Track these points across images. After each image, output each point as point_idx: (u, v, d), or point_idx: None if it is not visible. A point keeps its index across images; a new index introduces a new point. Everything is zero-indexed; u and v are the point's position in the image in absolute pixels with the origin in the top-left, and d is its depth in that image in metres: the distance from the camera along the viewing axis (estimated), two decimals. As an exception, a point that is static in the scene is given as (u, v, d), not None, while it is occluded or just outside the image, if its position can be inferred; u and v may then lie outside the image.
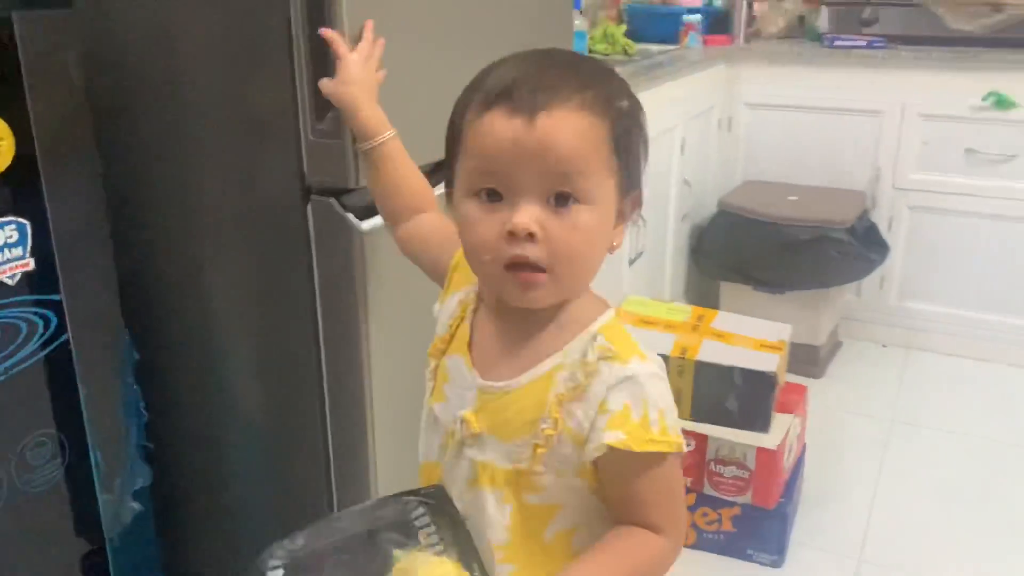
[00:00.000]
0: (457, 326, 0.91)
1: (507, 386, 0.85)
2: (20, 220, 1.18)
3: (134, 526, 1.42)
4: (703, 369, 1.94)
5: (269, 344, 1.36)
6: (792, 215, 2.79)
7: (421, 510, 0.85)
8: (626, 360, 0.81)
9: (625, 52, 2.66)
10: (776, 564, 1.99)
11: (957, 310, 2.96)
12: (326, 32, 1.10)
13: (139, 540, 1.43)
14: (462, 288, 0.94)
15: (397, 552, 0.80)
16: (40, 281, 1.22)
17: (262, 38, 1.19)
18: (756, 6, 3.30)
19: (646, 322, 2.07)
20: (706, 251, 2.94)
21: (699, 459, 1.95)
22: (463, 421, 0.86)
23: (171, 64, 1.26)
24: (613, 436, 0.79)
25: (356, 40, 1.14)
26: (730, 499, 1.96)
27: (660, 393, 0.81)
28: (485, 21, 1.44)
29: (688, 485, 1.97)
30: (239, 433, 1.43)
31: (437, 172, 1.34)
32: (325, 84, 1.10)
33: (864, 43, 2.97)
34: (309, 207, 1.24)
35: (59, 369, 1.27)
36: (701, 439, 1.94)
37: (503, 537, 0.85)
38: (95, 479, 1.34)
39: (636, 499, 0.82)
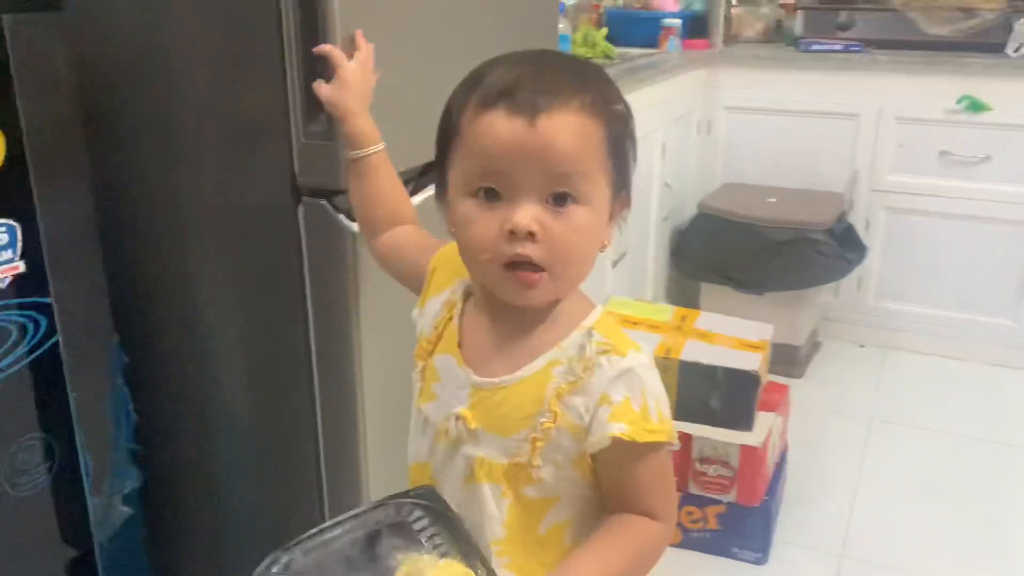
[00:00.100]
0: (444, 326, 0.92)
1: (503, 382, 0.86)
2: (10, 223, 1.18)
3: (123, 529, 1.41)
4: (687, 369, 1.96)
5: (259, 346, 1.36)
6: (771, 217, 2.82)
7: (418, 512, 0.86)
8: (624, 353, 0.83)
9: (606, 56, 2.69)
10: (760, 561, 2.02)
11: (933, 310, 3.01)
12: (322, 48, 1.09)
13: (128, 544, 1.43)
14: (443, 290, 0.95)
15: (400, 556, 0.80)
16: (29, 284, 1.22)
17: (253, 40, 1.19)
18: (733, 11, 3.33)
19: (630, 322, 2.09)
20: (686, 253, 2.97)
21: (684, 458, 1.97)
22: (459, 418, 0.87)
23: (162, 66, 1.25)
24: (618, 428, 0.81)
25: (347, 43, 1.14)
26: (715, 497, 1.98)
27: (656, 383, 0.84)
28: (473, 25, 1.45)
29: (673, 484, 1.98)
30: (229, 436, 1.43)
31: (425, 175, 1.36)
32: (324, 91, 1.09)
33: (840, 47, 3.01)
34: (300, 209, 1.24)
35: (48, 372, 1.27)
36: (686, 438, 1.96)
37: (500, 532, 0.87)
38: (84, 482, 1.34)
39: (634, 487, 0.84)
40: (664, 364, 1.97)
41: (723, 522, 2.00)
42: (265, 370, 1.36)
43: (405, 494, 0.89)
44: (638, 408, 0.81)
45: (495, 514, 0.86)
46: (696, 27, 3.17)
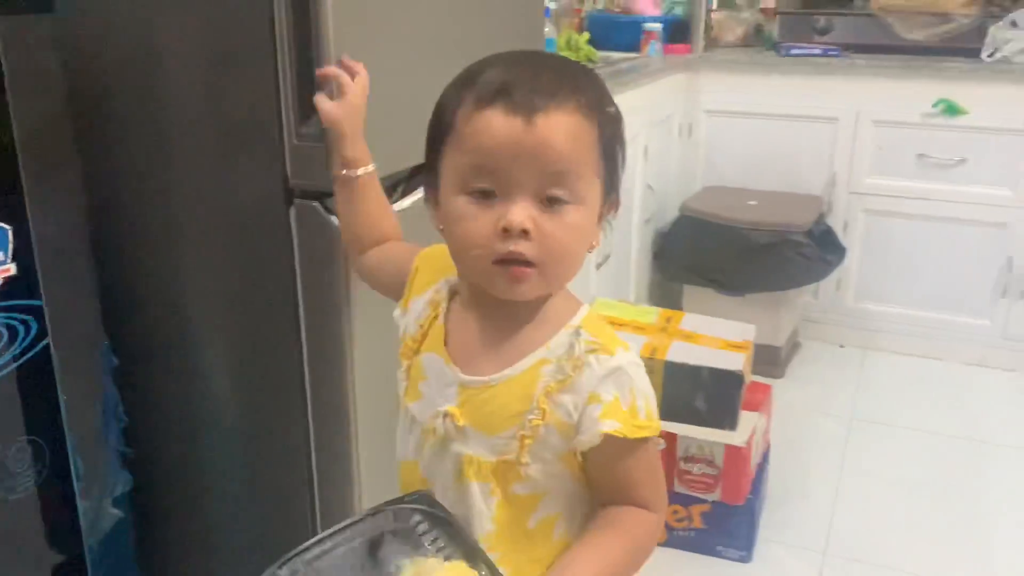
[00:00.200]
0: (429, 325, 0.93)
1: (491, 380, 0.87)
2: (2, 225, 1.18)
3: (113, 533, 1.41)
4: (672, 369, 1.98)
5: (251, 348, 1.36)
6: (752, 219, 2.85)
7: (417, 517, 0.86)
8: (612, 351, 0.84)
9: (589, 60, 2.70)
10: (745, 559, 2.04)
11: (911, 310, 3.05)
12: (327, 71, 1.09)
13: (118, 547, 1.42)
14: (427, 289, 0.95)
15: (404, 561, 0.80)
16: (20, 286, 1.21)
17: (245, 41, 1.19)
18: (714, 15, 3.36)
19: (615, 324, 2.10)
20: (669, 255, 2.99)
21: (669, 457, 1.99)
22: (447, 416, 0.88)
23: (153, 68, 1.26)
24: (609, 425, 0.82)
25: (338, 59, 1.15)
26: (700, 496, 2.00)
27: (643, 381, 0.86)
28: (462, 29, 1.46)
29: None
30: (220, 438, 1.43)
31: (414, 177, 1.38)
32: (328, 108, 1.07)
33: (819, 51, 3.05)
34: (292, 210, 1.25)
35: (39, 375, 1.26)
36: (671, 438, 1.97)
37: (489, 528, 0.88)
38: (75, 485, 1.33)
39: (626, 481, 0.86)
40: (649, 365, 1.98)
41: (708, 521, 2.02)
42: (256, 372, 1.37)
43: (400, 500, 0.89)
44: (627, 406, 0.83)
45: (484, 511, 0.87)
46: (677, 31, 3.20)
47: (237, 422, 1.41)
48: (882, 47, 3.03)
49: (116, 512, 1.42)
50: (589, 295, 2.31)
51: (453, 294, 0.93)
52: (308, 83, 1.18)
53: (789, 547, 2.10)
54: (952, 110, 2.82)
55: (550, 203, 0.81)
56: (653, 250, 3.00)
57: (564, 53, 2.70)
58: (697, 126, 3.18)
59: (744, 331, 2.14)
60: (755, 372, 2.16)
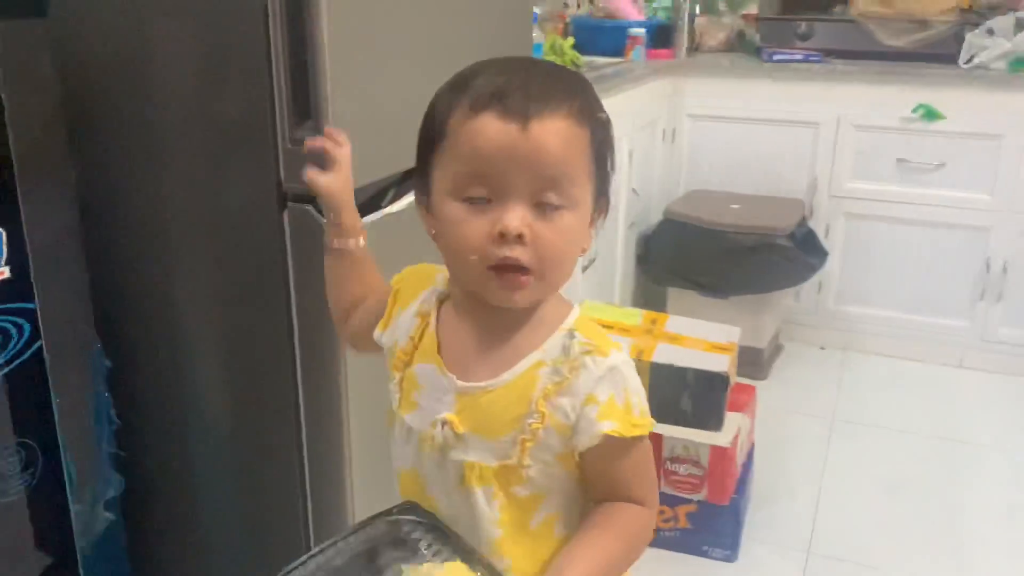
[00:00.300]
0: (420, 335, 0.92)
1: (488, 386, 0.87)
2: (-4, 228, 1.18)
3: (105, 536, 1.41)
4: (658, 371, 2.00)
5: (243, 351, 1.37)
6: (735, 223, 2.88)
7: (409, 526, 0.87)
8: (607, 353, 0.86)
9: (574, 64, 2.73)
10: (730, 559, 2.06)
11: (891, 313, 3.09)
12: (316, 141, 1.01)
13: (110, 550, 1.43)
14: (411, 303, 0.95)
15: (404, 567, 0.81)
16: (14, 289, 1.22)
17: (239, 45, 1.20)
18: (697, 21, 3.39)
19: (602, 326, 2.12)
20: (653, 258, 3.02)
21: (655, 458, 2.00)
22: (446, 423, 0.88)
23: (147, 72, 1.27)
24: (607, 425, 0.83)
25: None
26: (686, 497, 2.02)
27: (636, 380, 0.87)
28: (452, 35, 1.48)
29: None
30: (211, 441, 1.43)
31: (405, 181, 1.39)
32: (323, 180, 1.00)
33: (800, 57, 3.09)
34: (285, 214, 1.26)
35: (32, 377, 1.26)
36: (657, 439, 1.99)
37: (495, 531, 0.88)
38: (67, 488, 1.34)
39: (621, 478, 0.87)
40: (636, 367, 2.00)
41: (694, 521, 2.04)
42: (248, 375, 1.38)
43: (389, 512, 0.90)
44: (622, 405, 0.84)
45: (489, 515, 0.88)
46: (661, 37, 3.23)
47: (229, 425, 1.42)
48: (862, 53, 3.07)
49: (108, 515, 1.42)
50: (575, 298, 2.33)
51: (441, 303, 0.93)
52: (302, 87, 1.19)
53: (773, 546, 2.12)
54: (931, 115, 2.86)
55: (544, 208, 0.81)
56: (637, 253, 3.02)
57: (550, 58, 2.72)
58: (681, 130, 3.21)
59: (729, 333, 2.16)
60: (738, 374, 2.19)
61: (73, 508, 1.35)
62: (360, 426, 1.34)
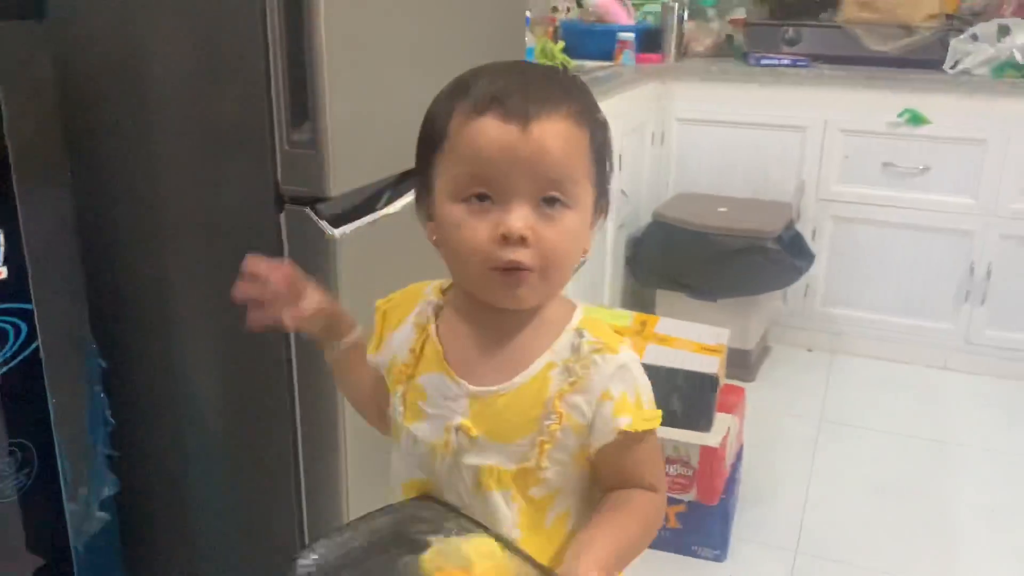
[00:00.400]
0: (422, 347, 0.92)
1: (501, 389, 0.87)
2: (-6, 229, 1.18)
3: (100, 536, 1.42)
4: (648, 372, 2.00)
5: (238, 353, 1.37)
6: (723, 225, 2.90)
7: (430, 511, 0.88)
8: (616, 350, 0.87)
9: (563, 68, 2.74)
10: (719, 559, 2.08)
11: (877, 315, 3.12)
12: (245, 290, 0.97)
13: (105, 550, 1.43)
14: (404, 320, 0.95)
15: (432, 538, 0.81)
16: (11, 290, 1.22)
17: (237, 47, 1.21)
18: (685, 25, 3.42)
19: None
20: (641, 260, 3.04)
21: (646, 459, 2.02)
22: (460, 429, 0.87)
23: (145, 74, 1.27)
24: (623, 421, 0.84)
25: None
26: (676, 497, 2.04)
27: (643, 375, 0.88)
28: (446, 40, 1.49)
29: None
30: (207, 442, 1.43)
31: (401, 183, 1.40)
32: (313, 302, 0.97)
33: (788, 62, 3.12)
34: (283, 216, 1.26)
35: (28, 377, 1.27)
36: (647, 440, 2.01)
37: (514, 533, 0.88)
38: (62, 488, 1.34)
39: (633, 469, 0.88)
40: (626, 368, 2.02)
41: (683, 521, 2.06)
42: (244, 376, 1.38)
43: (405, 504, 0.91)
44: (634, 400, 0.85)
45: (508, 517, 0.88)
46: (650, 41, 3.25)
47: (224, 426, 1.42)
48: (849, 58, 3.11)
49: (103, 515, 1.42)
50: (565, 300, 2.34)
51: (437, 312, 0.93)
52: (300, 89, 1.20)
53: (762, 546, 2.14)
54: (916, 120, 2.90)
55: (547, 208, 0.82)
56: (626, 255, 3.04)
57: (540, 61, 2.74)
58: (669, 134, 3.23)
59: (718, 335, 2.18)
60: (726, 376, 2.21)
61: (68, 508, 1.35)
62: (355, 427, 1.34)
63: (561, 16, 3.29)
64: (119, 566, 1.48)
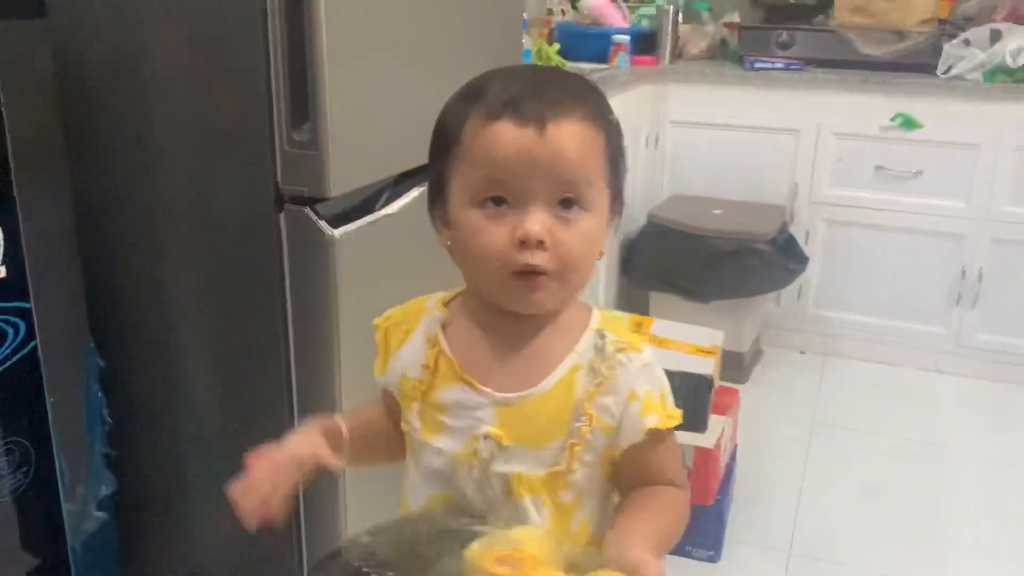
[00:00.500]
0: (436, 361, 0.90)
1: (529, 395, 0.86)
2: (-7, 228, 1.18)
3: (98, 535, 1.41)
4: (644, 373, 2.02)
5: (237, 351, 1.37)
6: (716, 228, 2.91)
7: (465, 517, 0.88)
8: (640, 349, 0.87)
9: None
10: (713, 559, 2.09)
11: (870, 318, 3.14)
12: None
13: (102, 549, 1.43)
14: (408, 338, 0.94)
15: (480, 528, 0.81)
16: (10, 289, 1.22)
17: (238, 47, 1.21)
18: (680, 29, 3.43)
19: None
20: (636, 262, 3.04)
21: (640, 460, 2.02)
22: (488, 438, 0.86)
23: (145, 73, 1.27)
24: (651, 420, 0.85)
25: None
26: (670, 498, 2.04)
27: (663, 374, 0.90)
28: (445, 43, 1.49)
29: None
30: (204, 442, 1.44)
31: (400, 183, 1.40)
32: (300, 450, 0.94)
33: (781, 65, 3.13)
34: (282, 216, 1.27)
35: (27, 376, 1.26)
36: (642, 441, 2.01)
37: None
38: (59, 487, 1.34)
39: (658, 467, 0.89)
40: (621, 369, 2.03)
41: (678, 522, 2.06)
42: (242, 376, 1.38)
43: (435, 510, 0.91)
44: (658, 398, 0.86)
45: (539, 523, 0.87)
46: (644, 44, 3.25)
47: (222, 426, 1.42)
48: (842, 62, 3.12)
49: (100, 514, 1.42)
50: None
51: (444, 326, 0.92)
52: (300, 89, 1.20)
53: (755, 547, 2.15)
54: (909, 124, 2.91)
55: (564, 211, 0.82)
56: (620, 257, 3.05)
57: (536, 63, 2.74)
58: (663, 136, 3.24)
59: (712, 336, 2.19)
60: (720, 378, 2.21)
61: (65, 507, 1.35)
62: (353, 427, 1.35)
63: (556, 18, 3.30)
64: (116, 566, 1.48)
